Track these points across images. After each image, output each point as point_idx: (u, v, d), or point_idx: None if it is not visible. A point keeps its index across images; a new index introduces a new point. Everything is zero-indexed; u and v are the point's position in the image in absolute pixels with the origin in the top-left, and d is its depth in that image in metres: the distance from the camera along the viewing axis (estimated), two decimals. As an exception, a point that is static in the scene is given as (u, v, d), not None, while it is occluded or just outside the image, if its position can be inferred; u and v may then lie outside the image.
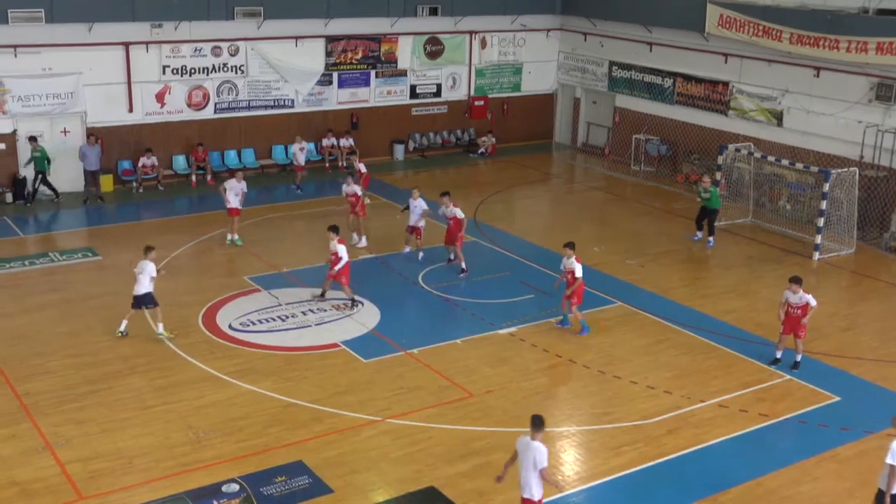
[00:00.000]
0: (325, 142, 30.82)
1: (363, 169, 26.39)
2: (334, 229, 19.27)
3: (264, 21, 28.56)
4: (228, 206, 22.96)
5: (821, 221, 23.53)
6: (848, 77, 25.82)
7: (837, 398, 16.17)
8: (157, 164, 27.98)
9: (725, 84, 29.48)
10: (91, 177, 26.68)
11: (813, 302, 16.87)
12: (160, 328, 17.63)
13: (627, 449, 14.38)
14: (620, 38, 32.68)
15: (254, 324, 18.39)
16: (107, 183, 27.43)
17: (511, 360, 17.31)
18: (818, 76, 26.70)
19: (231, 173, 29.07)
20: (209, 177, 28.78)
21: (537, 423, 11.18)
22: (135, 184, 27.91)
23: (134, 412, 15.03)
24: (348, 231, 22.68)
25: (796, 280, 17.01)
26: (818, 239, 23.56)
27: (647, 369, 17.02)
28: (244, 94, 29.55)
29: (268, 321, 18.60)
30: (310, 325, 18.57)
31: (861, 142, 25.43)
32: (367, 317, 19.02)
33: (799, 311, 16.93)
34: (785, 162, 25.42)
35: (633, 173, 31.49)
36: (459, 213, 21.30)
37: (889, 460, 11.58)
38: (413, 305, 19.49)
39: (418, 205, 21.97)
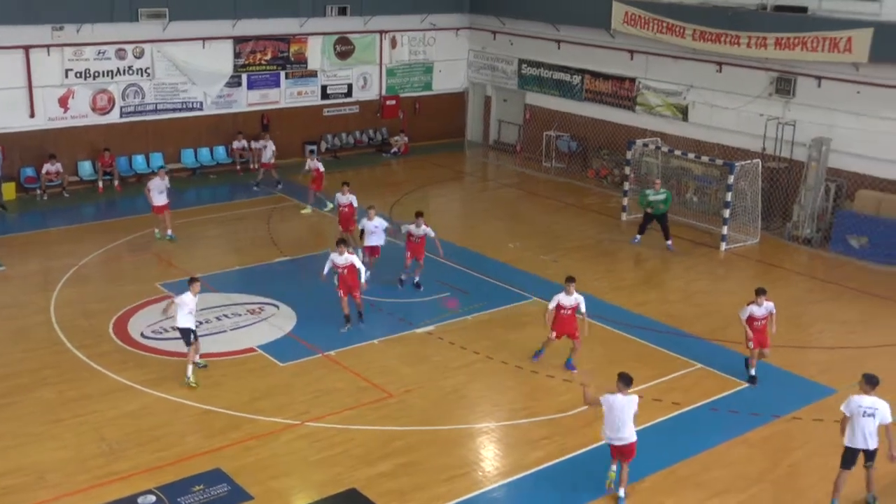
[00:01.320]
0: (235, 144, 30.44)
1: (321, 167, 26.01)
2: (343, 243, 18.32)
3: (170, 22, 28.06)
4: (155, 204, 22.89)
5: (727, 213, 24.20)
6: (749, 72, 26.57)
7: (746, 384, 16.63)
8: (61, 170, 27.25)
9: (632, 80, 30.02)
10: (-8, 185, 25.93)
11: (774, 309, 16.47)
12: (189, 370, 16.14)
13: (546, 442, 14.57)
14: (529, 37, 33.02)
15: (167, 331, 18.00)
16: (9, 191, 26.56)
17: (429, 359, 17.36)
18: (721, 71, 27.41)
19: (138, 178, 28.67)
20: (116, 182, 28.16)
21: (629, 380, 12.77)
22: (39, 191, 27.13)
23: (44, 426, 14.63)
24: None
25: (762, 292, 16.31)
26: (725, 230, 24.20)
27: (564, 363, 17.23)
28: (151, 97, 28.99)
29: (181, 328, 18.29)
30: (225, 331, 18.33)
31: (763, 134, 26.17)
32: (284, 320, 18.86)
33: (763, 323, 16.38)
34: (691, 155, 26.09)
35: (544, 170, 31.87)
36: (431, 232, 20.19)
37: (843, 408, 12.73)
38: (330, 307, 19.33)
39: (378, 225, 20.39)
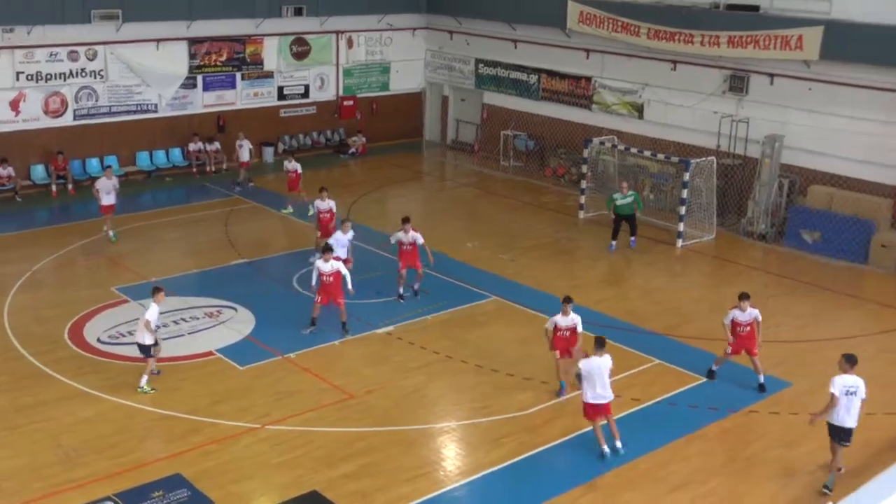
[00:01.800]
0: (191, 146, 30.17)
1: (299, 169, 25.61)
2: (329, 249, 18.07)
3: (123, 24, 27.76)
4: (103, 204, 22.87)
5: (682, 209, 24.44)
6: (703, 70, 26.86)
7: (704, 379, 16.81)
8: (13, 174, 26.83)
9: (588, 79, 30.21)
10: (-58, 190, 25.50)
11: (759, 316, 16.08)
12: (143, 380, 15.89)
13: (507, 440, 14.62)
14: (486, 36, 33.10)
15: (123, 336, 17.83)
16: (-40, 196, 26.23)
17: (389, 360, 17.35)
18: (675, 69, 27.67)
19: (92, 181, 28.29)
20: (70, 186, 27.78)
21: (602, 343, 14.13)
22: (-10, 196, 26.78)
23: (-1, 434, 14.44)
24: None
25: (745, 296, 15.96)
26: (681, 227, 24.44)
27: (523, 361, 17.29)
28: (104, 99, 28.63)
29: (138, 332, 18.09)
30: (183, 335, 18.16)
31: (717, 132, 26.48)
32: (242, 323, 18.74)
33: (748, 329, 16.01)
34: (647, 153, 26.32)
35: (502, 169, 31.97)
36: (420, 239, 19.57)
37: (831, 390, 13.09)
38: (289, 309, 19.27)
39: (351, 238, 19.98)
